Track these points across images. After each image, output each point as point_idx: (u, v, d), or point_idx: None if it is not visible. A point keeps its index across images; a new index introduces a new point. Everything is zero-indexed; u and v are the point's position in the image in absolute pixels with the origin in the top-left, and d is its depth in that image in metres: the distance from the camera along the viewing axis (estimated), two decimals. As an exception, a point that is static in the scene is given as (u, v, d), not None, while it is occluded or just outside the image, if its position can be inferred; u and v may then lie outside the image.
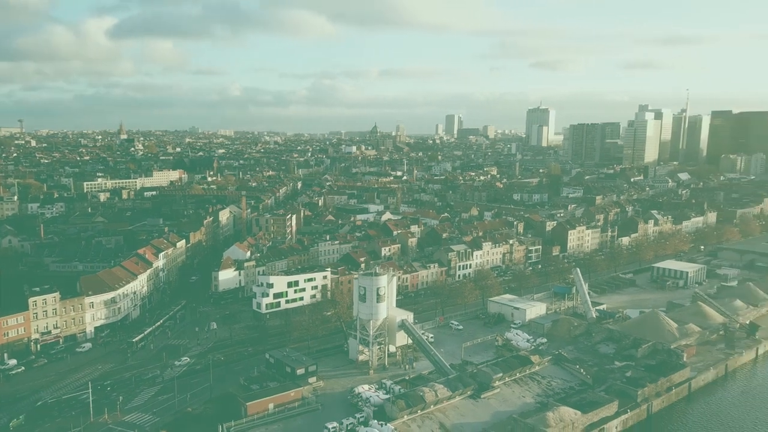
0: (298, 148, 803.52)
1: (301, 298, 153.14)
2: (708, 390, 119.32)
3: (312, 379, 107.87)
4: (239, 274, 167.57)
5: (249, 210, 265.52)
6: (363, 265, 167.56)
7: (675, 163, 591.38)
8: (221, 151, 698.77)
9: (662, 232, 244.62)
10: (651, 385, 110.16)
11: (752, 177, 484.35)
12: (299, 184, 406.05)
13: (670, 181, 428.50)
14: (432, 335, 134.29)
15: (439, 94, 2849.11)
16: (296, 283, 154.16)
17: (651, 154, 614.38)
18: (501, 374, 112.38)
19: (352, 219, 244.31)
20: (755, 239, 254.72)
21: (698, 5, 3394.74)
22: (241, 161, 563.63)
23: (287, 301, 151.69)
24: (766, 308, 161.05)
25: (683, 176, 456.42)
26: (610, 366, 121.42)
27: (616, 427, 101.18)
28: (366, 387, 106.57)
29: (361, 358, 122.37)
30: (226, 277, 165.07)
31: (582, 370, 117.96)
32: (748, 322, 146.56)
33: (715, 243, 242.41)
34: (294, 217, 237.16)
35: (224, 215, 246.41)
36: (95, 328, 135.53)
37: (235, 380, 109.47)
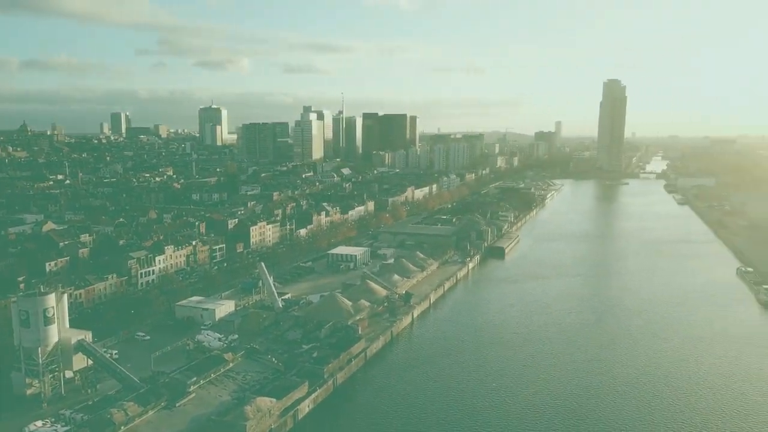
0: None
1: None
2: (380, 355, 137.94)
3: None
4: None
5: None
6: (22, 285, 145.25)
7: (338, 159, 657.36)
8: None
9: (333, 221, 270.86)
10: (334, 361, 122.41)
11: (397, 170, 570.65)
12: None
13: (335, 176, 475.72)
14: (116, 351, 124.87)
15: (98, 91, 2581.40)
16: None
17: (317, 151, 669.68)
18: (195, 378, 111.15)
19: (3, 232, 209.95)
20: (403, 222, 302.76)
21: (338, 19, 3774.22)
22: None
23: None
24: (416, 279, 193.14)
25: (345, 171, 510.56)
26: (299, 350, 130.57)
27: (309, 406, 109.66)
28: (39, 423, 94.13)
29: (30, 391, 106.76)
30: None
31: (274, 359, 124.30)
32: (404, 292, 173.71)
33: (375, 228, 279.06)
34: None
35: None
36: None
37: None
